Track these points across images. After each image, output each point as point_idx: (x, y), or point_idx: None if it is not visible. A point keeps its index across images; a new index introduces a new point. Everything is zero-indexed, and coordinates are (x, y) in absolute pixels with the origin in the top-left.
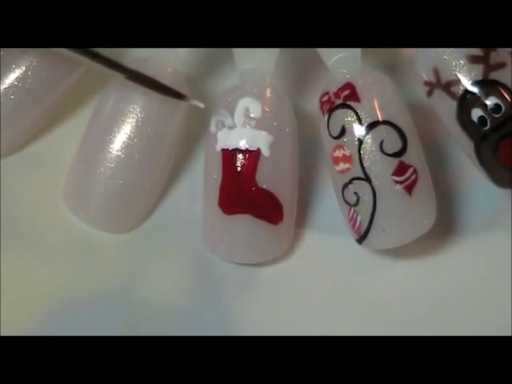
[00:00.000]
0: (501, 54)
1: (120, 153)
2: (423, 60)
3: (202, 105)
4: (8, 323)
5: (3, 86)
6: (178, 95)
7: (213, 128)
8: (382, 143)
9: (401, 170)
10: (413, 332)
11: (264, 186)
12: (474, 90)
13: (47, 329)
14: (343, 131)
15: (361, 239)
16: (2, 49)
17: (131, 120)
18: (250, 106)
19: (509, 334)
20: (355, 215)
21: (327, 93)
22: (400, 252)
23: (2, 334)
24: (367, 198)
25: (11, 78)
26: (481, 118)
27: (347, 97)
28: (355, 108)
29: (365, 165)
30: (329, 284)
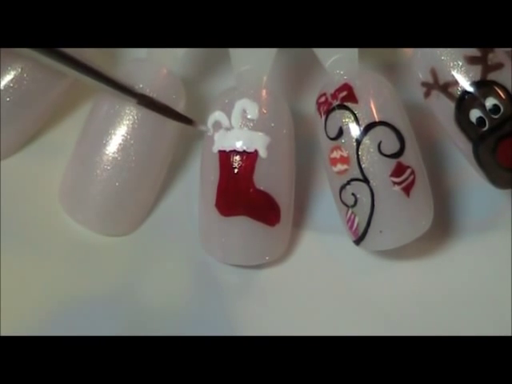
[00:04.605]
0: (498, 54)
1: (116, 155)
2: (420, 61)
3: (208, 129)
4: (8, 323)
5: None
6: (187, 121)
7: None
8: (379, 144)
9: (399, 171)
10: (412, 332)
11: (261, 188)
12: (473, 90)
13: (47, 329)
14: (341, 132)
15: (358, 240)
16: None
17: (127, 122)
18: (247, 108)
19: (509, 334)
20: (353, 216)
21: (324, 94)
22: (399, 252)
23: (2, 334)
24: (365, 199)
25: (7, 79)
26: (479, 119)
27: (345, 98)
28: (353, 109)
29: (363, 166)
30: (327, 285)
